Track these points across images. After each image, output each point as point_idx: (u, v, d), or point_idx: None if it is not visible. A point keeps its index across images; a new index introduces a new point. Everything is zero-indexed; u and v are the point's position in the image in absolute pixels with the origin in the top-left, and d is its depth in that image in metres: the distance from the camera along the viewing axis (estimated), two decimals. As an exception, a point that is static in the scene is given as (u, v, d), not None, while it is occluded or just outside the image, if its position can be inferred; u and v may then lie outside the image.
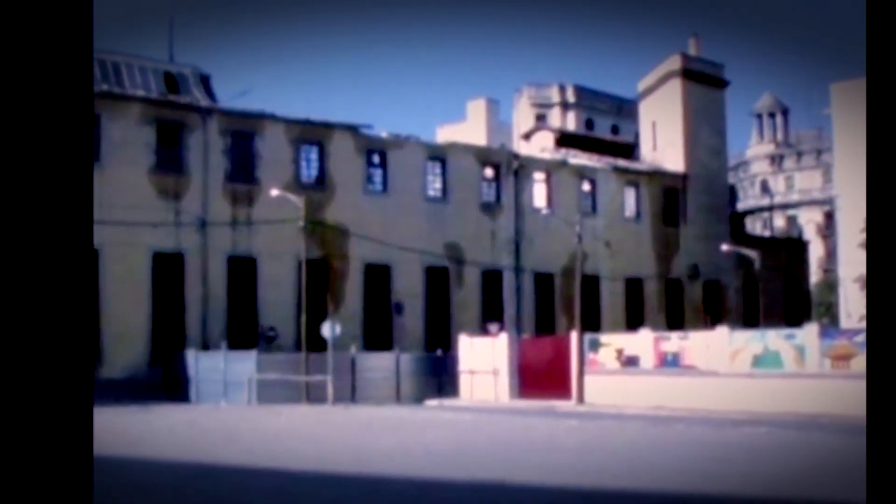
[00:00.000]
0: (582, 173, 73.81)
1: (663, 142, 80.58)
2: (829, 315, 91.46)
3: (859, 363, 38.33)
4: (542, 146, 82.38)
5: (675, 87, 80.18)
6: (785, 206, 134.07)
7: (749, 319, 74.39)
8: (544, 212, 69.58)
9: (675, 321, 72.10)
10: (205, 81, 61.74)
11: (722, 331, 46.66)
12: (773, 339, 43.80)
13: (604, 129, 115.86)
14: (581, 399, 49.43)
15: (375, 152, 64.23)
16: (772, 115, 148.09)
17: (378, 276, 63.51)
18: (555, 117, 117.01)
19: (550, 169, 72.54)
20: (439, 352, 58.69)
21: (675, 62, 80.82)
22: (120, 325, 54.98)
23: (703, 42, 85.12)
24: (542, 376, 52.72)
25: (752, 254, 72.50)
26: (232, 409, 47.80)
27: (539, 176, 71.68)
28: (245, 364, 52.03)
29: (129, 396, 53.08)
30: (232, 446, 28.16)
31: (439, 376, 56.38)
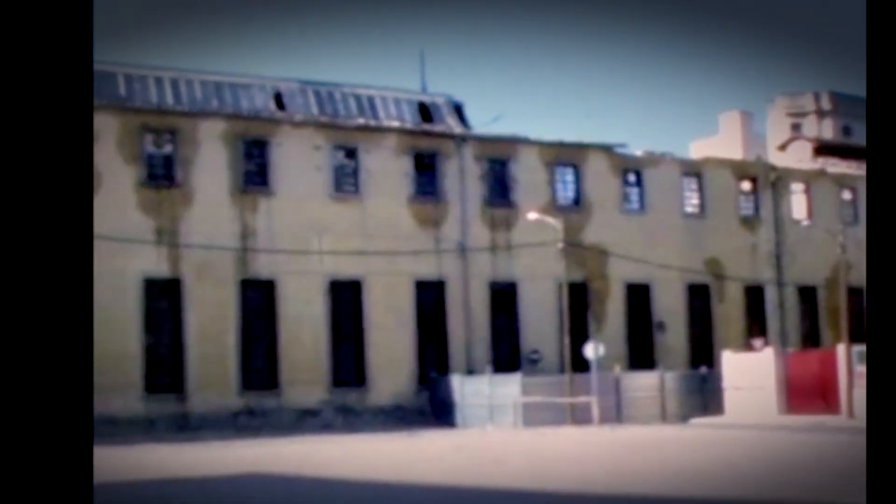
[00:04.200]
0: (842, 182, 71.98)
1: (927, 145, 77.86)
2: None
3: None
4: (798, 156, 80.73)
5: (937, 88, 77.45)
6: None
7: None
8: (804, 223, 68.18)
9: (948, 330, 69.41)
10: (458, 110, 62.58)
11: None
12: None
13: (863, 135, 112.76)
14: (851, 414, 48.11)
15: (631, 171, 63.99)
16: None
17: (639, 295, 63.20)
18: (811, 126, 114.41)
19: (809, 179, 71.00)
20: (703, 369, 58.01)
21: (936, 62, 78.08)
22: (385, 353, 56.12)
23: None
24: (809, 391, 51.56)
25: None
26: (498, 433, 48.20)
27: (797, 187, 70.22)
28: (509, 387, 52.36)
29: (396, 422, 54.16)
30: (499, 469, 28.43)
31: (704, 394, 55.70)
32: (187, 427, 51.10)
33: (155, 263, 52.02)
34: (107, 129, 51.58)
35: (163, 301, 52.43)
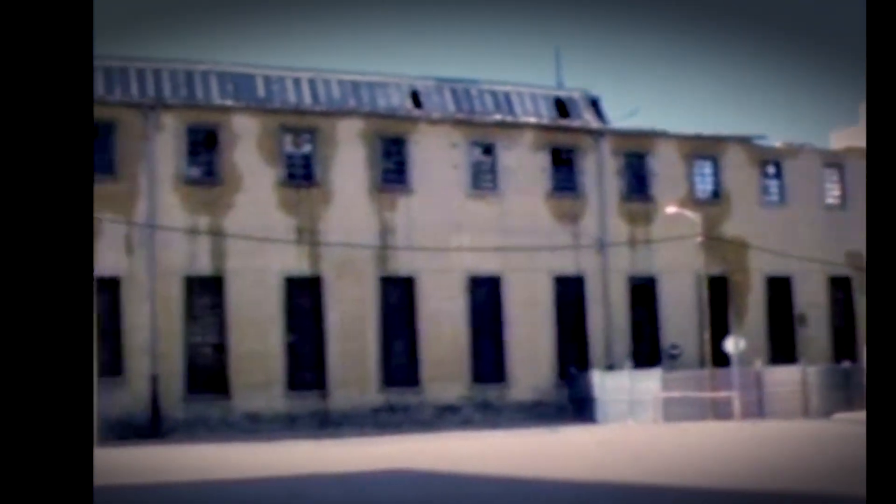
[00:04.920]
0: None
1: None
2: None
3: None
4: (945, 145, 78.96)
5: None
6: None
7: None
8: (952, 213, 66.71)
9: None
10: (594, 104, 62.38)
11: None
12: None
13: None
14: None
15: (770, 163, 63.22)
16: None
17: (779, 288, 62.41)
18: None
19: (956, 168, 69.36)
20: (846, 363, 57.02)
21: None
22: (524, 348, 56.22)
23: None
24: (959, 385, 50.38)
25: None
26: (638, 428, 48.01)
27: (944, 176, 68.67)
28: (649, 382, 52.09)
29: (536, 418, 54.26)
30: (642, 465, 28.35)
31: (847, 389, 54.66)
32: (328, 423, 51.77)
33: (296, 262, 52.75)
34: (247, 131, 52.51)
35: (304, 299, 53.12)
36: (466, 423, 53.24)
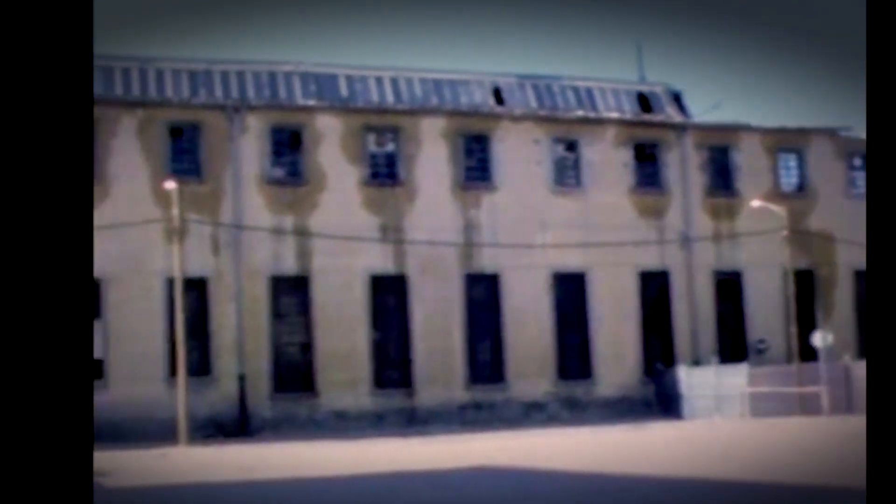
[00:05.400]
0: None
1: None
2: None
3: None
4: None
5: None
6: None
7: None
8: None
9: None
10: (677, 98, 62.03)
11: None
12: None
13: None
14: None
15: (857, 154, 62.45)
16: None
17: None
18: None
19: None
20: (938, 357, 56.28)
21: None
22: (610, 344, 56.05)
23: None
24: None
25: None
26: (725, 424, 47.74)
27: None
28: (736, 378, 51.75)
29: (622, 414, 54.14)
30: (726, 461, 28.22)
31: (940, 382, 54.00)
32: (415, 421, 51.97)
33: (381, 260, 52.99)
34: (330, 130, 52.83)
35: (389, 297, 53.36)
36: (552, 420, 53.23)
